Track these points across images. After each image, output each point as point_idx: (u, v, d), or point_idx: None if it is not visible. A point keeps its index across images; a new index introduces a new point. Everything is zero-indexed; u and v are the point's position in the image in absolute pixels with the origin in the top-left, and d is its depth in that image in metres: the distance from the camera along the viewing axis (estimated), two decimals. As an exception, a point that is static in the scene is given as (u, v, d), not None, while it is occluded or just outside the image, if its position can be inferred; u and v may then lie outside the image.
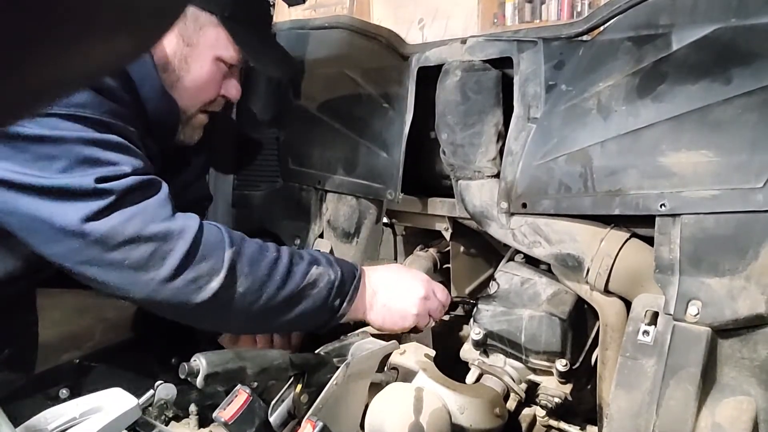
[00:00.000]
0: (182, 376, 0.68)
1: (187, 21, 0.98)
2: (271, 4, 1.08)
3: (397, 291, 0.98)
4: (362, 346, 0.87)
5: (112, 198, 0.80)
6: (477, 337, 0.99)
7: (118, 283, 0.82)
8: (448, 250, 1.15)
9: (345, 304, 0.93)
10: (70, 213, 0.78)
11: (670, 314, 0.78)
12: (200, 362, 0.68)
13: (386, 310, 0.97)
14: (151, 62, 0.95)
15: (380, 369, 0.89)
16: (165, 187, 0.88)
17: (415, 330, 1.01)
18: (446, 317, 1.16)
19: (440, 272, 1.21)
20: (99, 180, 0.80)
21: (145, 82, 0.94)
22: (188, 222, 0.85)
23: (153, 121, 0.96)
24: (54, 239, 0.80)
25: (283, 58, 1.12)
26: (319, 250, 1.00)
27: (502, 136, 0.96)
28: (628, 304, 0.87)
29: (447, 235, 1.12)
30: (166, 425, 0.94)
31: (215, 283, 0.83)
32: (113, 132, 0.85)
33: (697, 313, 0.75)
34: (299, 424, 0.75)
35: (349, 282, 0.94)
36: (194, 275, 0.83)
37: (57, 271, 0.91)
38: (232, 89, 1.07)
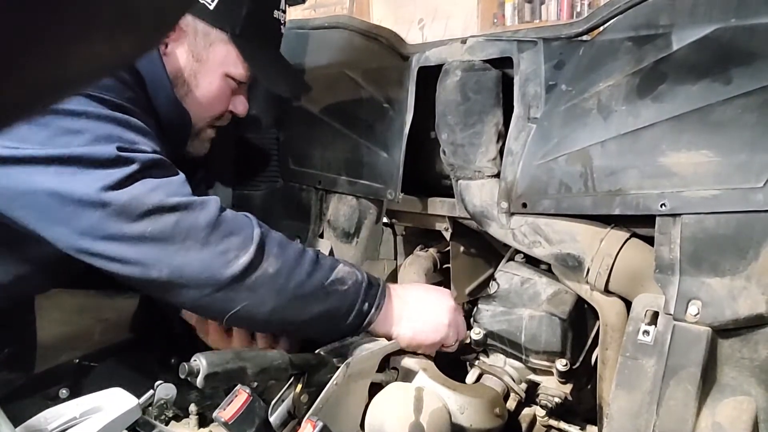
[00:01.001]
0: (182, 376, 0.68)
1: (197, 37, 0.98)
2: (282, 23, 1.08)
3: (428, 303, 0.96)
4: (362, 346, 0.87)
5: (134, 167, 0.79)
6: (477, 337, 0.99)
7: (141, 259, 0.78)
8: (448, 250, 1.15)
9: (374, 309, 0.91)
10: (90, 182, 0.76)
11: (671, 314, 0.78)
12: (200, 362, 0.68)
13: (418, 323, 0.94)
14: (165, 73, 0.95)
15: (380, 369, 0.89)
16: (182, 173, 0.87)
17: (442, 347, 0.99)
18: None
19: (440, 272, 1.21)
20: (121, 149, 0.79)
21: (159, 92, 0.94)
22: (210, 198, 0.85)
23: (165, 129, 0.96)
24: (73, 213, 0.77)
25: (293, 77, 1.12)
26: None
27: (502, 136, 0.96)
28: (628, 304, 0.87)
29: (447, 235, 1.12)
30: (166, 425, 0.94)
31: (245, 259, 0.81)
32: (135, 117, 0.85)
33: (698, 313, 0.75)
34: (299, 424, 0.75)
35: (375, 286, 0.92)
36: (223, 248, 0.81)
37: (67, 275, 0.91)
38: (240, 105, 1.08)
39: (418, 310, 0.95)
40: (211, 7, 0.96)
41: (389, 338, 0.94)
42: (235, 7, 0.98)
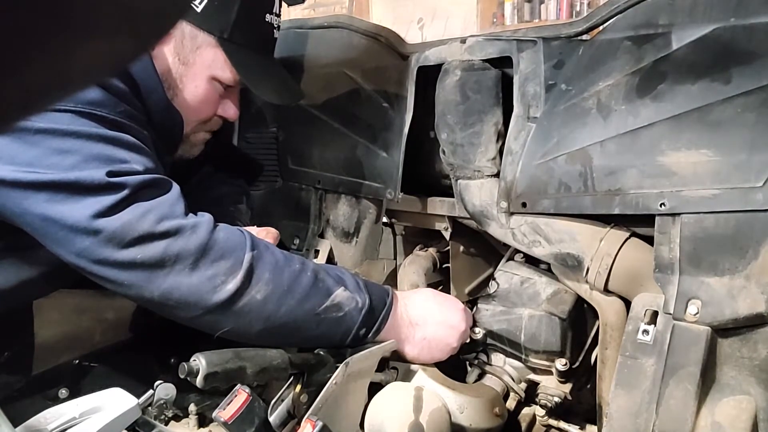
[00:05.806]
0: (182, 376, 0.68)
1: (184, 40, 0.96)
2: (275, 26, 1.05)
3: (438, 323, 0.93)
4: (362, 346, 0.87)
5: (124, 192, 0.78)
6: (477, 337, 0.99)
7: (133, 282, 0.79)
8: (448, 250, 1.15)
9: (371, 334, 0.88)
10: (81, 209, 0.76)
11: (670, 313, 0.78)
12: (200, 362, 0.68)
13: (426, 343, 0.92)
14: (156, 75, 0.94)
15: (380, 368, 0.89)
16: (176, 187, 0.85)
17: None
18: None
19: (440, 272, 1.21)
20: (111, 174, 0.78)
21: (152, 94, 0.93)
22: (202, 220, 0.83)
23: (159, 133, 0.95)
24: (66, 239, 0.77)
25: (285, 85, 1.09)
26: (350, 271, 0.94)
27: (501, 136, 0.96)
28: (627, 304, 0.87)
29: (447, 234, 1.12)
30: (166, 425, 0.94)
31: (232, 285, 0.80)
32: (127, 132, 0.83)
33: (697, 313, 0.76)
34: (299, 423, 0.75)
35: (378, 310, 0.89)
36: (211, 273, 0.80)
37: (70, 278, 0.90)
38: (230, 109, 1.06)
39: (426, 332, 0.93)
40: (199, 10, 0.94)
41: None
42: (224, 10, 0.95)
